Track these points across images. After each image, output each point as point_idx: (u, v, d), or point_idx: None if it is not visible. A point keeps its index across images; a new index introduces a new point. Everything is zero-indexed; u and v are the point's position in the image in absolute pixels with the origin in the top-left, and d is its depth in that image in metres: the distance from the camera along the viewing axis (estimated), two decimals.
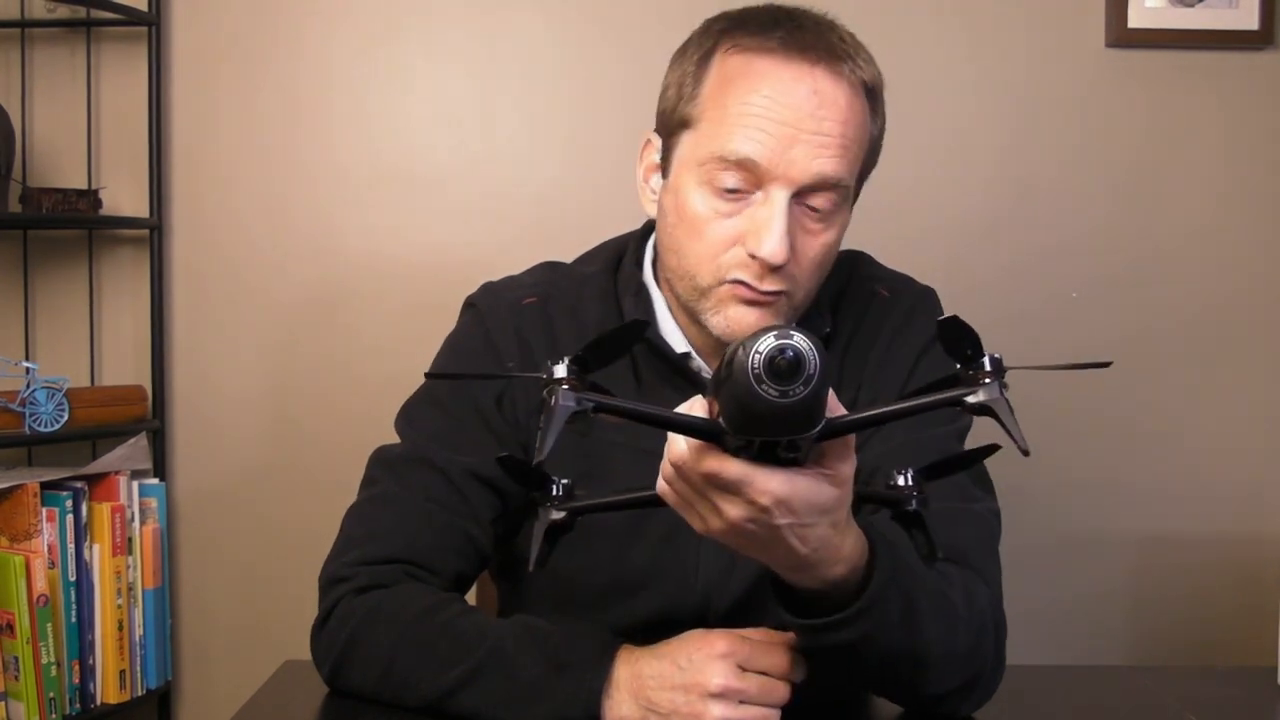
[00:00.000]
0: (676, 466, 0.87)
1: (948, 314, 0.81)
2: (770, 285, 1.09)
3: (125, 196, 2.14)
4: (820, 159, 1.07)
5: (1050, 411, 2.12)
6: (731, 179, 1.08)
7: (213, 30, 2.14)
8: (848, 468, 0.86)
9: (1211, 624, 2.14)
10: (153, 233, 2.12)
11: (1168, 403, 2.14)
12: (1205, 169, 2.13)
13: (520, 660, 1.02)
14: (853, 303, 1.23)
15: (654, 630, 1.17)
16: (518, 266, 1.31)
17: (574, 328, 1.20)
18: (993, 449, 0.93)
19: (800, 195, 1.08)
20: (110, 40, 2.14)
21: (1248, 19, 2.08)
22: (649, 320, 1.19)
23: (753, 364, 0.75)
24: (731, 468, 0.83)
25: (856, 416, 0.84)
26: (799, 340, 0.75)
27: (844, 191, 1.11)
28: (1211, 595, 2.14)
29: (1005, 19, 2.12)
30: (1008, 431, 0.79)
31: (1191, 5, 2.08)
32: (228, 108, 2.15)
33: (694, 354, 1.19)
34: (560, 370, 0.80)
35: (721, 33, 1.13)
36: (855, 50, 1.12)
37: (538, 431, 0.80)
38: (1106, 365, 0.84)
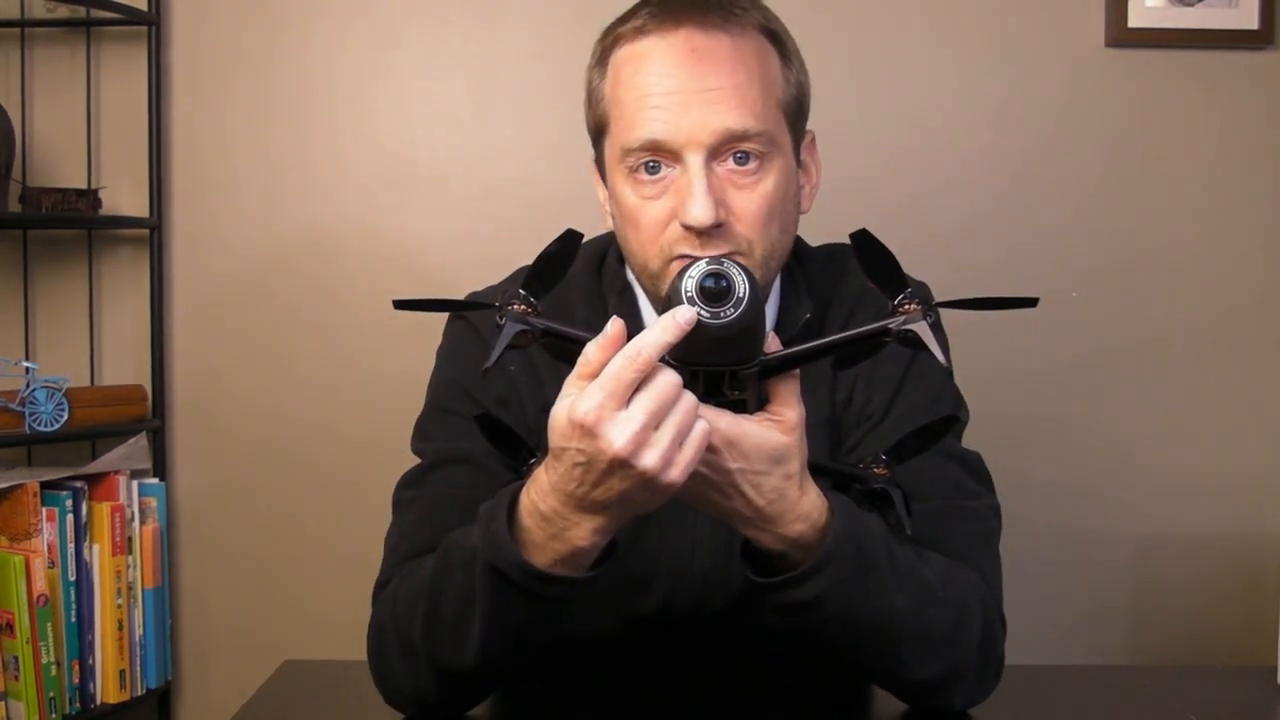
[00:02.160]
0: None
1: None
2: (712, 251, 1.08)
3: (125, 196, 2.14)
4: (719, 115, 1.07)
5: (1050, 410, 2.13)
6: (649, 163, 1.09)
7: (213, 30, 2.14)
8: (793, 413, 0.92)
9: (1211, 623, 2.14)
10: (153, 233, 2.12)
11: (1168, 402, 2.14)
12: (1205, 169, 2.13)
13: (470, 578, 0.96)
14: (845, 300, 1.22)
15: (656, 626, 1.17)
16: (518, 264, 1.31)
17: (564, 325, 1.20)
18: (953, 419, 1.00)
19: (717, 155, 1.08)
20: (110, 40, 2.14)
21: (1248, 19, 2.08)
22: (632, 293, 1.20)
23: (686, 287, 0.85)
24: None
25: (790, 351, 0.91)
26: (730, 267, 0.85)
27: (763, 139, 1.09)
28: (1211, 595, 2.14)
29: (1004, 19, 2.11)
30: (933, 353, 0.89)
31: (1191, 5, 2.08)
32: (228, 108, 2.15)
33: None
34: (514, 298, 0.91)
35: (608, 34, 1.15)
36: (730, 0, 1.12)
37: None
38: (1033, 303, 0.92)
